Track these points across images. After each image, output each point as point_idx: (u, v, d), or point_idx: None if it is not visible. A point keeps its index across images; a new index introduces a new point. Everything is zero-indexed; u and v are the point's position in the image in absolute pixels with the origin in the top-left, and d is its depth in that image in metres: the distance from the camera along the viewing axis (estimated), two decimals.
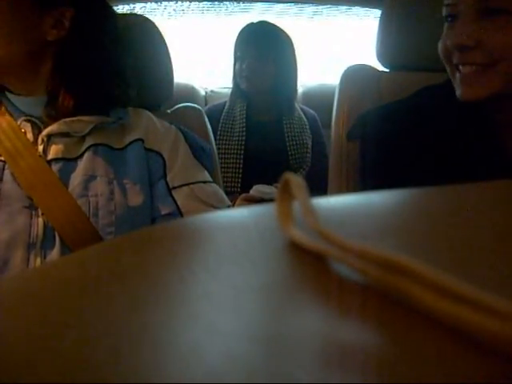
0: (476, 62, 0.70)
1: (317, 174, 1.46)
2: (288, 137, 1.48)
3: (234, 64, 1.50)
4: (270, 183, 1.11)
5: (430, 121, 0.80)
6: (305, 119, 1.54)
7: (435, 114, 0.81)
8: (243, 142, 1.44)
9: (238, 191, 1.37)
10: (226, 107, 1.50)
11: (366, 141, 0.88)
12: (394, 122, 0.83)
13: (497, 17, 0.68)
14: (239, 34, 1.49)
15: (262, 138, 1.46)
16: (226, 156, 1.43)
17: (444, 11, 0.75)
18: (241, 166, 1.42)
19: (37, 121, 0.78)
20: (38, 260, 0.70)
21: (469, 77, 0.71)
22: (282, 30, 1.49)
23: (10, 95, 0.80)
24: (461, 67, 0.72)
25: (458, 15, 0.72)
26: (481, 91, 0.71)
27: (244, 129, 1.45)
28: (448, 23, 0.75)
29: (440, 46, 0.76)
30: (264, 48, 1.43)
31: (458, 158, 0.76)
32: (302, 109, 1.59)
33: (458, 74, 0.73)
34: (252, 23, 1.49)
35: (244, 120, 1.46)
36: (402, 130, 0.81)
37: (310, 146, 1.50)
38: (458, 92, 0.74)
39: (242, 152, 1.43)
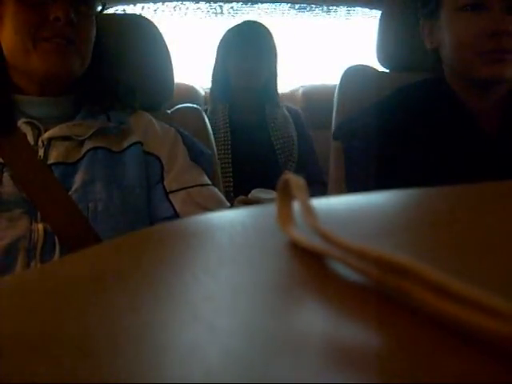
0: (510, 47, 0.78)
1: (305, 168, 1.46)
2: (273, 132, 1.49)
3: (219, 65, 1.51)
4: (260, 181, 1.11)
5: (411, 116, 0.85)
6: (287, 113, 1.55)
7: (415, 110, 0.86)
8: (229, 146, 1.44)
9: (231, 191, 1.38)
10: (207, 112, 1.50)
11: (351, 140, 0.91)
12: (373, 122, 0.88)
13: None
14: (227, 34, 1.50)
15: (248, 137, 1.47)
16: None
17: (466, 1, 0.80)
18: (230, 168, 1.42)
19: (36, 122, 0.77)
20: (39, 265, 0.70)
21: (498, 60, 0.79)
22: (264, 26, 1.51)
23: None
24: (491, 52, 0.79)
25: (485, 4, 0.78)
26: (504, 71, 0.79)
27: (228, 131, 1.46)
28: (470, 12, 0.80)
29: (463, 33, 0.81)
30: (257, 46, 1.46)
31: (440, 146, 0.82)
32: (284, 105, 1.60)
33: (481, 58, 0.79)
34: (238, 24, 1.51)
35: (228, 122, 1.47)
36: (381, 128, 0.86)
37: (295, 139, 1.51)
38: (482, 73, 0.80)
39: (230, 155, 1.43)
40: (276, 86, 1.55)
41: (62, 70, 0.77)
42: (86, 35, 0.79)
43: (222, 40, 1.51)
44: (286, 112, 1.56)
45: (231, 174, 1.41)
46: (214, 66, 1.53)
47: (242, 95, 1.49)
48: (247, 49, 1.45)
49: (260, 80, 1.47)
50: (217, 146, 1.44)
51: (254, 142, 1.46)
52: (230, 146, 1.44)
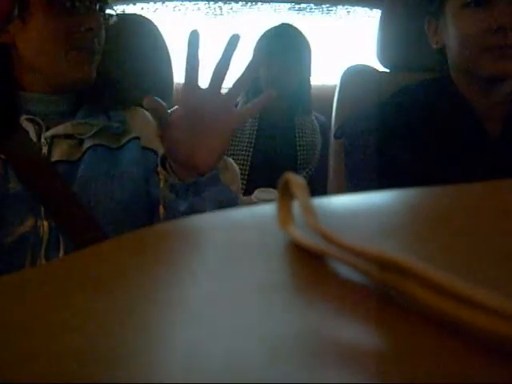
0: None
1: (321, 179, 1.46)
2: (298, 135, 1.48)
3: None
4: (275, 181, 1.11)
5: (414, 116, 0.85)
6: (316, 123, 1.55)
7: (418, 109, 0.86)
8: (252, 148, 1.44)
9: (244, 188, 1.38)
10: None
11: (354, 140, 0.91)
12: (376, 122, 0.88)
13: None
14: (262, 37, 1.48)
15: (272, 141, 1.47)
16: (235, 153, 1.43)
17: None
18: (248, 165, 1.43)
19: (38, 119, 0.78)
20: (44, 262, 0.70)
21: (504, 56, 0.78)
22: (300, 31, 1.50)
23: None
24: (497, 48, 0.78)
25: (489, 0, 0.78)
26: (510, 67, 0.79)
27: (256, 128, 1.45)
28: (475, 8, 0.79)
29: (468, 30, 0.80)
30: (291, 50, 1.45)
31: (444, 145, 0.82)
32: (314, 114, 1.60)
33: (487, 54, 0.79)
34: (273, 27, 1.48)
35: (257, 120, 1.46)
36: (385, 128, 0.86)
37: (319, 147, 1.51)
38: (488, 69, 0.80)
39: (251, 153, 1.43)
40: (309, 92, 1.54)
41: (88, 78, 0.79)
42: (102, 43, 0.82)
43: (260, 41, 1.49)
44: (316, 122, 1.55)
45: (246, 176, 1.42)
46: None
47: (273, 101, 1.48)
48: (273, 56, 1.42)
49: (288, 87, 1.45)
50: (239, 146, 1.45)
51: (278, 147, 1.46)
52: (252, 149, 1.44)
